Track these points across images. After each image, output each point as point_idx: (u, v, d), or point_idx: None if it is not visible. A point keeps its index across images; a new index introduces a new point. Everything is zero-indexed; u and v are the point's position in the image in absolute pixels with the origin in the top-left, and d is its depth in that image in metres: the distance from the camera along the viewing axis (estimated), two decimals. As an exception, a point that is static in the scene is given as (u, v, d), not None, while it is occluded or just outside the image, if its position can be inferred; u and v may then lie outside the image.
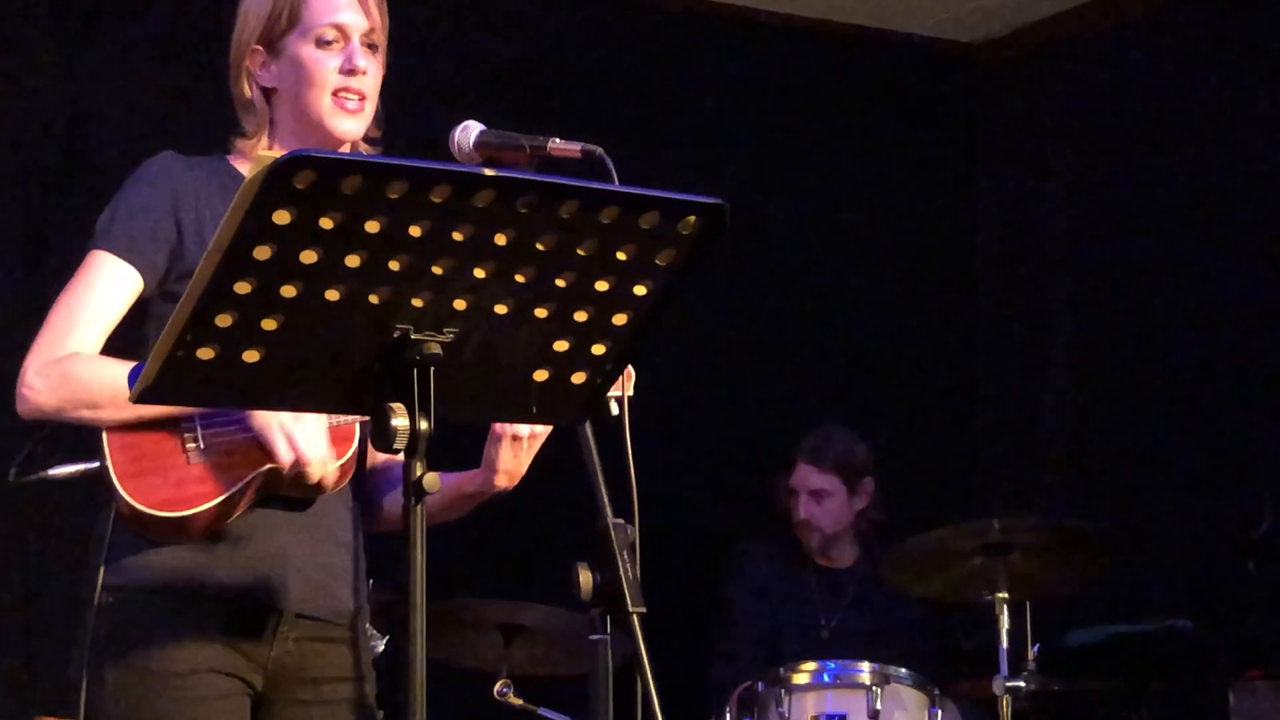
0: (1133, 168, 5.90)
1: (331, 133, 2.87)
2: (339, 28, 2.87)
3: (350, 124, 2.88)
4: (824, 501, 5.15)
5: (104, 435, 2.70)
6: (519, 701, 4.48)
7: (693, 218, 2.27)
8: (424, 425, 2.24)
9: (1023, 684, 4.38)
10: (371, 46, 2.90)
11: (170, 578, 2.76)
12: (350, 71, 2.86)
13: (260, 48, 2.90)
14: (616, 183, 2.45)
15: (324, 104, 2.86)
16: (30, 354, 2.75)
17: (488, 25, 5.59)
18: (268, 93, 2.92)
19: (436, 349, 2.25)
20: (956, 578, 4.53)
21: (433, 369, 2.25)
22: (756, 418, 5.73)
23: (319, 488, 2.78)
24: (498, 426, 2.80)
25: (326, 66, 2.86)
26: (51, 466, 2.93)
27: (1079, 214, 6.05)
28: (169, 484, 2.70)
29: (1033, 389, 6.12)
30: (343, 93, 2.86)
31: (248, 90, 2.92)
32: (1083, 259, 6.02)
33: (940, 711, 4.46)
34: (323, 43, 2.86)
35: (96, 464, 2.72)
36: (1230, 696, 4.82)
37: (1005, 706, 4.37)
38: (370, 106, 2.90)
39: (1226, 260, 5.58)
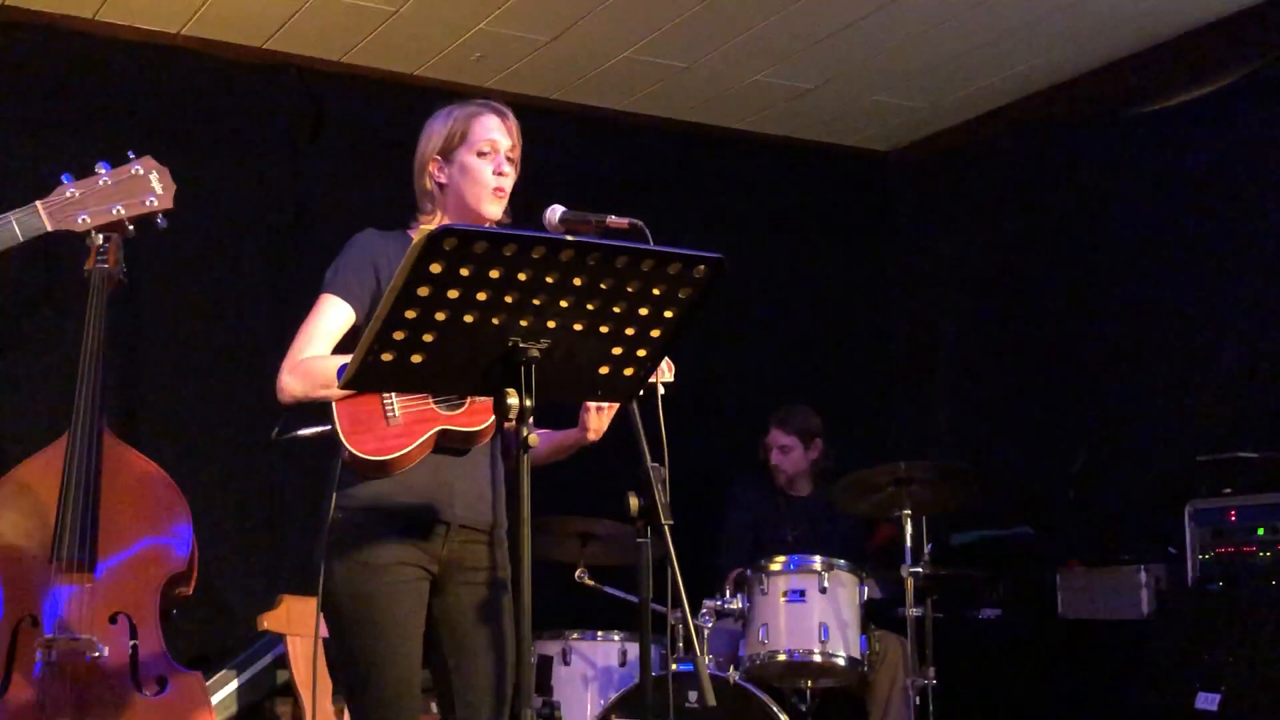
0: (1004, 231, 5.83)
1: (483, 215, 2.85)
2: (493, 144, 2.85)
3: (496, 210, 2.86)
4: (788, 454, 5.11)
5: (334, 408, 2.69)
6: (592, 583, 4.48)
7: (703, 266, 2.27)
8: (528, 403, 2.24)
9: (921, 570, 4.36)
10: (510, 159, 2.88)
11: (377, 501, 2.73)
12: (499, 174, 2.85)
13: (439, 157, 2.87)
14: (652, 244, 2.44)
15: (483, 197, 2.85)
16: (283, 363, 2.74)
17: (563, 148, 5.60)
18: (441, 187, 2.88)
19: (536, 354, 2.26)
20: (877, 501, 4.51)
21: (533, 366, 2.26)
22: (748, 399, 5.72)
23: (475, 440, 2.76)
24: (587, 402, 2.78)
25: (486, 171, 2.84)
26: (301, 429, 2.92)
27: (968, 268, 6.01)
28: (376, 438, 2.67)
29: (928, 385, 6.09)
30: (495, 190, 2.85)
31: (428, 185, 2.89)
32: (967, 300, 5.97)
33: (866, 588, 4.45)
34: (481, 154, 2.85)
35: (329, 426, 2.70)
36: (1058, 578, 4.80)
37: (909, 585, 4.35)
38: (506, 199, 2.88)
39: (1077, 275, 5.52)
